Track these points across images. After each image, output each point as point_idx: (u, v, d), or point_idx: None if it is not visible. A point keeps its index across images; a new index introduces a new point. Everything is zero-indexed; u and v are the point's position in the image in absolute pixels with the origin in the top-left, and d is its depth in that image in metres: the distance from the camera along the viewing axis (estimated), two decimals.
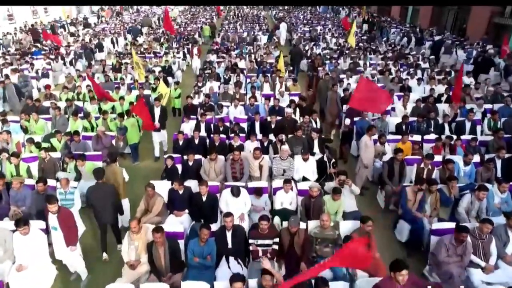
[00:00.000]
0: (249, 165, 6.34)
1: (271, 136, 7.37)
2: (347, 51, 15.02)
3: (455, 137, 7.31)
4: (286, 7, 35.15)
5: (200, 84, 10.70)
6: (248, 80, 11.18)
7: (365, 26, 23.38)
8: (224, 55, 14.55)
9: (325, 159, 6.38)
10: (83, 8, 32.84)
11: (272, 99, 9.75)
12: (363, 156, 6.66)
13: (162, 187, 5.74)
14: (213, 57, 14.20)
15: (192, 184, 6.23)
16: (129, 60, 13.81)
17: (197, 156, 6.66)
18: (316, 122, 8.02)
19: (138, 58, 11.52)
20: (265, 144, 7.22)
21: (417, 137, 7.54)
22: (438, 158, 6.60)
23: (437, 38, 17.89)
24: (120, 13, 34.11)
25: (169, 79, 12.54)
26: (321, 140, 7.26)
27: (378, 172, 7.11)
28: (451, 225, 4.86)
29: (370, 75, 11.50)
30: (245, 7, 38.60)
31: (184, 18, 27.64)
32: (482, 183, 5.51)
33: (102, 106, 9.29)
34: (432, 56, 14.66)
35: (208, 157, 6.33)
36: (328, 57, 14.30)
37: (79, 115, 8.57)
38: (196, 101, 9.82)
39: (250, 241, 4.65)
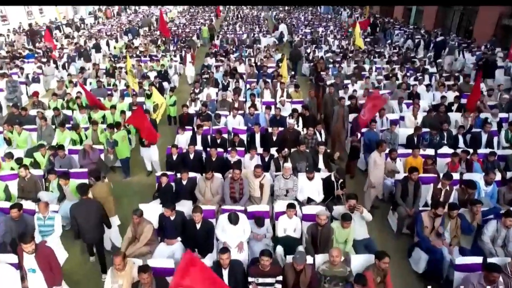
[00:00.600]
0: (249, 184, 5.78)
1: (273, 150, 6.80)
2: (350, 54, 14.45)
3: (471, 151, 6.75)
4: (286, 8, 34.58)
5: (197, 91, 10.14)
6: (248, 86, 10.63)
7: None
8: (223, 58, 13.99)
9: (333, 178, 5.81)
10: (80, 8, 32.28)
11: (273, 107, 9.22)
12: (371, 175, 6.11)
13: (153, 211, 5.18)
14: (211, 61, 13.64)
15: (186, 205, 5.70)
16: (123, 64, 13.25)
17: (192, 174, 6.10)
18: (321, 134, 7.46)
19: (131, 65, 10.93)
20: (266, 159, 6.66)
21: (430, 151, 6.98)
22: (455, 175, 6.05)
23: (439, 39, 17.35)
24: (118, 13, 33.56)
25: (165, 84, 12.01)
26: (327, 155, 6.69)
27: (388, 190, 6.56)
28: (477, 259, 4.30)
29: (376, 80, 10.93)
30: (244, 7, 38.05)
31: (183, 19, 27.03)
32: (509, 208, 4.94)
33: (92, 115, 8.73)
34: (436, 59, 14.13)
35: (203, 175, 5.77)
36: (331, 60, 13.73)
37: (67, 125, 8.03)
38: (192, 109, 9.27)
39: (250, 279, 4.09)
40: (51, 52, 15.41)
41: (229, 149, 6.75)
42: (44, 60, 13.81)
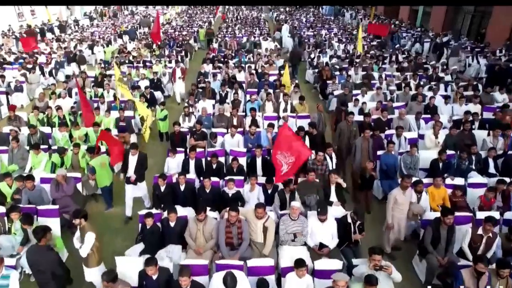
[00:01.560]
0: (249, 226, 4.84)
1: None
2: (357, 60, 13.50)
3: (507, 180, 5.80)
4: (287, 9, 33.59)
5: (191, 102, 9.20)
6: (248, 98, 9.69)
7: None
8: (221, 64, 13.05)
9: (349, 219, 4.87)
10: (74, 9, 31.32)
11: (276, 122, 8.29)
12: (389, 216, 5.17)
13: (132, 266, 4.24)
14: (208, 67, 12.69)
15: (175, 252, 4.76)
16: (114, 72, 12.32)
17: (182, 212, 5.17)
18: (331, 159, 6.51)
19: (121, 73, 10.02)
20: (269, 191, 5.72)
21: (459, 180, 6.04)
22: (491, 212, 5.12)
23: (445, 39, 16.48)
24: (114, 15, 32.58)
25: (158, 94, 11.06)
26: (340, 186, 5.74)
27: (412, 228, 5.63)
28: None
29: (388, 91, 9.98)
30: (244, 8, 37.08)
31: (181, 20, 26.05)
32: None
33: (73, 132, 7.79)
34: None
35: (195, 216, 4.83)
36: (337, 67, 12.79)
37: (43, 146, 7.10)
38: (186, 124, 8.34)
39: None
40: (35, 56, 14.42)
41: (226, 178, 5.81)
42: (30, 66, 12.86)
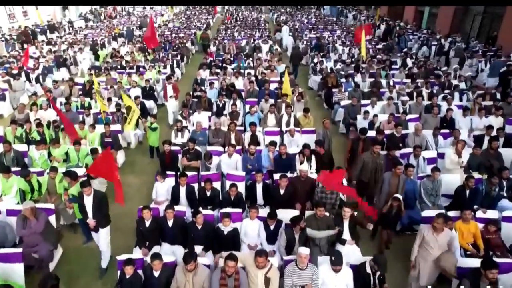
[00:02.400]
0: (248, 278, 4.03)
1: (280, 212, 5.04)
2: (363, 65, 12.70)
3: None
4: (288, 10, 32.78)
5: (185, 115, 8.39)
6: (247, 109, 8.89)
7: (378, 32, 21.12)
8: (219, 70, 12.24)
9: (368, 269, 4.06)
10: (70, 10, 30.48)
11: (278, 138, 7.49)
12: (413, 254, 4.38)
13: None
14: (204, 73, 11.88)
15: None
16: (105, 78, 11.52)
17: (168, 259, 4.36)
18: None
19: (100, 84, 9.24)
20: (272, 227, 4.91)
21: (492, 213, 5.23)
22: None
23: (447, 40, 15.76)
24: (110, 16, 31.77)
25: (151, 103, 10.26)
26: (355, 221, 4.93)
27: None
28: None
29: (400, 102, 9.16)
30: (243, 8, 36.30)
31: (178, 22, 25.21)
32: None
33: (53, 151, 6.98)
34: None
35: (184, 266, 4.01)
36: (343, 73, 11.97)
37: (14, 168, 6.29)
38: (179, 140, 7.53)
39: None
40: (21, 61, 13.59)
41: (222, 211, 5.00)
42: (15, 72, 12.05)
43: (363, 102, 9.29)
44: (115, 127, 8.11)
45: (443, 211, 5.15)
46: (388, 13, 27.26)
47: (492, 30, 16.72)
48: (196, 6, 36.73)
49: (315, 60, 13.99)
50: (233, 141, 7.27)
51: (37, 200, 5.86)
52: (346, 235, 4.84)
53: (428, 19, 22.16)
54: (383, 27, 21.40)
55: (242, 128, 8.21)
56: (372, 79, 11.10)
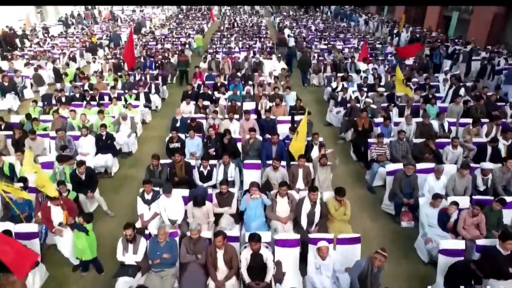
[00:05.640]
0: None
1: None
2: (399, 94, 9.61)
3: None
4: (291, 13, 29.65)
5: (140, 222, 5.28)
6: (245, 176, 5.82)
7: (396, 41, 17.96)
8: (208, 103, 9.15)
9: None
10: (48, 14, 27.33)
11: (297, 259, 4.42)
12: None
13: None
14: (188, 108, 8.81)
15: None
16: (62, 109, 8.53)
17: None
18: None
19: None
20: None
21: None
22: None
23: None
24: (95, 19, 28.63)
25: (106, 158, 7.14)
26: None
27: None
28: None
29: (480, 172, 6.04)
30: (241, 11, 33.20)
31: (165, 29, 21.98)
32: None
33: None
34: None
35: None
36: (374, 106, 8.89)
37: None
38: (129, 258, 4.46)
39: None
40: None
41: None
42: None
43: (419, 167, 6.15)
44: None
45: None
46: (406, 18, 24.10)
47: None
48: (191, 10, 33.63)
49: (333, 84, 10.90)
50: (220, 263, 4.21)
51: None
52: None
53: (457, 26, 19.05)
54: (404, 35, 18.29)
55: (238, 232, 5.08)
56: (419, 120, 7.97)
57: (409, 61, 13.36)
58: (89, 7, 31.17)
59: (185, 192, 5.52)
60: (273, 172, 5.91)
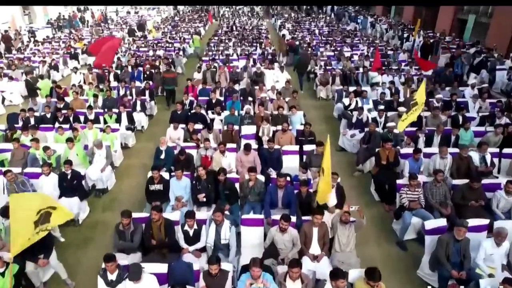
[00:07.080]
0: None
1: None
2: (425, 114, 8.19)
3: None
4: (293, 16, 28.22)
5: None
6: (244, 235, 4.44)
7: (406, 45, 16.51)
8: (200, 126, 7.75)
9: None
10: (36, 15, 25.84)
11: None
12: None
13: None
14: (177, 134, 7.40)
15: None
16: (25, 136, 7.13)
17: None
18: None
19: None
20: None
21: None
22: None
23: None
24: (82, 20, 27.07)
25: (72, 202, 5.73)
26: None
27: None
28: None
29: None
30: (241, 13, 31.75)
31: (159, 32, 20.50)
32: None
33: None
34: None
35: None
36: (397, 131, 7.45)
37: None
38: None
39: None
40: None
41: None
42: None
43: (471, 223, 4.72)
44: None
45: None
46: (413, 21, 22.59)
47: None
48: (188, 12, 32.21)
49: (345, 101, 9.50)
50: None
51: None
52: None
53: (473, 29, 17.61)
54: (416, 40, 16.84)
55: None
56: (453, 151, 6.55)
57: (428, 72, 11.92)
58: (81, 8, 29.69)
59: (163, 268, 4.08)
60: (280, 234, 4.50)
